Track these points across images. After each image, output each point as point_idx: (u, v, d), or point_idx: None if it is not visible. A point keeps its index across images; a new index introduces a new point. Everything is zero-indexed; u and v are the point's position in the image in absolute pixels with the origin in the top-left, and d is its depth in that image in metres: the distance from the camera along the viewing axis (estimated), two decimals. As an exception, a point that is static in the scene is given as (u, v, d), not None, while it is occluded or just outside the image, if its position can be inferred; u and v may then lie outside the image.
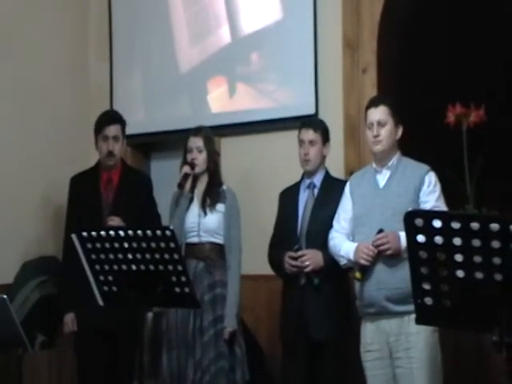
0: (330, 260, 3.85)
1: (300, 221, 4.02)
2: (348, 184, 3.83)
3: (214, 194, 4.14)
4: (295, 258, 3.91)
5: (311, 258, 3.89)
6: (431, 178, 3.63)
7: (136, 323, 3.77)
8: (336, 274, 3.91)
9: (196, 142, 4.16)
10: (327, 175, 4.11)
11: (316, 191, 4.06)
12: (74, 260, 3.68)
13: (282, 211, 4.18)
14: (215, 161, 4.21)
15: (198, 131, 4.21)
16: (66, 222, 4.40)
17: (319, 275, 3.91)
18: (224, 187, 4.19)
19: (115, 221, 4.11)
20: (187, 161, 4.16)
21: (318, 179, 4.09)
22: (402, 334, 3.50)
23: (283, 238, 4.08)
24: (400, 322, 3.50)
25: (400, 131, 3.73)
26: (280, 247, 4.04)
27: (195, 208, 4.14)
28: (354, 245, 3.63)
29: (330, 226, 3.86)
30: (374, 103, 3.73)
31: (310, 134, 4.05)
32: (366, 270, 3.55)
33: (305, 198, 4.07)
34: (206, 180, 4.19)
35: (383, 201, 3.60)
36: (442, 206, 3.59)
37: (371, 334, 3.60)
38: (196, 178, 4.18)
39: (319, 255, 3.90)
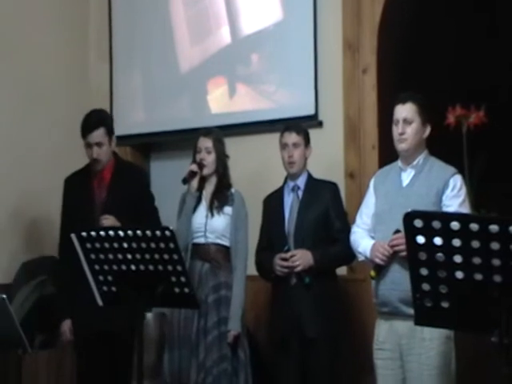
0: (320, 259, 3.97)
1: (287, 223, 4.09)
2: (373, 180, 3.76)
3: (222, 197, 4.14)
4: (286, 259, 3.97)
5: (301, 258, 3.97)
6: (456, 182, 3.50)
7: (136, 324, 3.75)
8: (326, 272, 4.02)
9: (205, 143, 4.16)
10: (310, 177, 4.18)
11: (300, 193, 4.13)
12: (70, 262, 3.65)
13: (268, 216, 4.24)
14: (224, 163, 4.20)
15: (208, 132, 4.22)
16: (60, 225, 4.28)
17: (310, 274, 3.97)
18: (232, 190, 4.19)
19: (109, 219, 3.99)
20: (196, 160, 4.16)
21: (301, 181, 4.15)
22: (415, 338, 3.43)
23: (272, 241, 4.14)
24: (413, 326, 3.43)
25: (428, 130, 3.60)
26: (268, 251, 4.10)
27: (203, 209, 4.15)
28: (372, 242, 3.58)
29: (317, 227, 3.98)
30: (401, 100, 3.58)
31: (293, 137, 4.12)
32: (380, 269, 3.52)
33: (290, 201, 4.13)
34: (214, 182, 4.19)
35: (405, 200, 3.45)
36: (466, 212, 3.41)
37: (384, 332, 3.54)
38: (204, 180, 4.17)
39: (308, 255, 3.98)
